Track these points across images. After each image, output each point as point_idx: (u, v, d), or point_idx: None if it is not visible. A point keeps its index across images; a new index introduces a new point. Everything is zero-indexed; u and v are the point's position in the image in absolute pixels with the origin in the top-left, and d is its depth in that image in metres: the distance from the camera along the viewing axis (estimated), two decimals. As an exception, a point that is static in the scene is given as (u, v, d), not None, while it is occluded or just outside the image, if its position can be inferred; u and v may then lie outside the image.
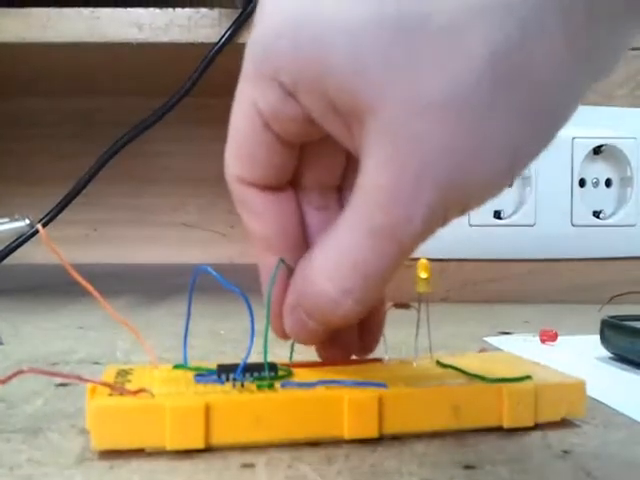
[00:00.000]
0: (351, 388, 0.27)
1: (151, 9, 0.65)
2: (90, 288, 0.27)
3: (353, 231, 0.24)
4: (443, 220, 0.24)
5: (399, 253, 0.24)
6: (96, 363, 0.39)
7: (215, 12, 0.65)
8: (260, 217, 0.27)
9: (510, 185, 0.24)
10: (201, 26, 0.65)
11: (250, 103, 0.25)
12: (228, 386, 0.27)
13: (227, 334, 0.48)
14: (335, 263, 0.25)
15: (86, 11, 0.65)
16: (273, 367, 0.28)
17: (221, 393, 0.26)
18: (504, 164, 0.23)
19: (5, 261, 0.65)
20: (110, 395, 0.25)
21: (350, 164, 0.28)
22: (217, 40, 0.64)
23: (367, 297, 0.25)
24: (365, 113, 0.22)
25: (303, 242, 0.29)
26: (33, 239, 0.63)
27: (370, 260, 0.24)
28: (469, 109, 0.21)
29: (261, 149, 0.26)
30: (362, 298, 0.25)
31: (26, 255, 0.68)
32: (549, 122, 0.24)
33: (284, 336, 0.29)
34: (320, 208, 0.29)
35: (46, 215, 0.66)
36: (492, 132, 0.22)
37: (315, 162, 0.28)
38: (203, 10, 0.65)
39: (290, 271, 0.28)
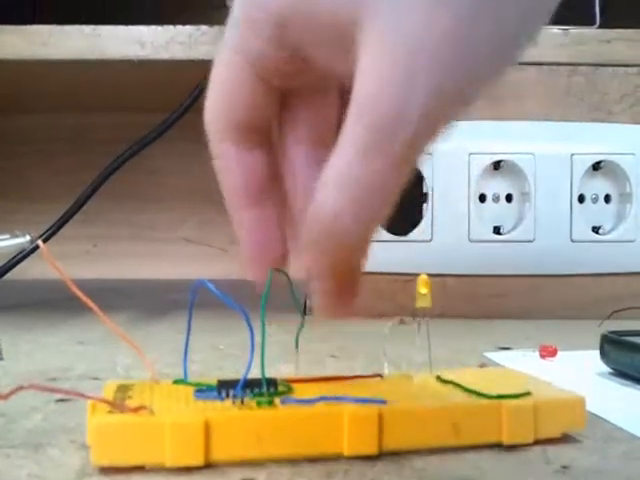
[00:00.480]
0: (351, 405, 0.27)
1: (152, 26, 0.66)
2: (90, 303, 0.27)
3: (347, 150, 0.23)
4: (441, 121, 0.23)
5: (394, 166, 0.23)
6: (96, 379, 0.39)
7: (215, 29, 0.66)
8: (232, 169, 0.27)
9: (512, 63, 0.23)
10: (201, 43, 0.66)
11: (235, 47, 0.25)
12: (228, 402, 0.27)
13: (227, 349, 0.48)
14: (333, 182, 0.23)
15: (87, 28, 0.66)
16: (273, 383, 0.28)
17: (221, 410, 0.26)
18: (507, 43, 0.22)
19: (5, 276, 0.65)
20: (110, 412, 0.25)
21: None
22: (217, 57, 0.65)
23: (365, 216, 0.24)
24: (355, 23, 0.22)
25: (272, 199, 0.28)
26: (33, 255, 0.63)
27: (364, 177, 0.23)
28: None
29: (242, 90, 0.26)
30: (360, 216, 0.24)
31: (26, 271, 0.68)
32: None
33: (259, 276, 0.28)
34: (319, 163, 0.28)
35: (46, 231, 0.66)
36: (486, 14, 0.21)
37: (306, 112, 0.28)
38: (203, 27, 0.66)
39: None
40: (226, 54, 0.25)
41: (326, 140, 0.28)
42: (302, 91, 0.28)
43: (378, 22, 0.22)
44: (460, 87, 0.22)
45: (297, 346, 0.31)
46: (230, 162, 0.27)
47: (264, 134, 0.28)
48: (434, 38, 0.21)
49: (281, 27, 0.23)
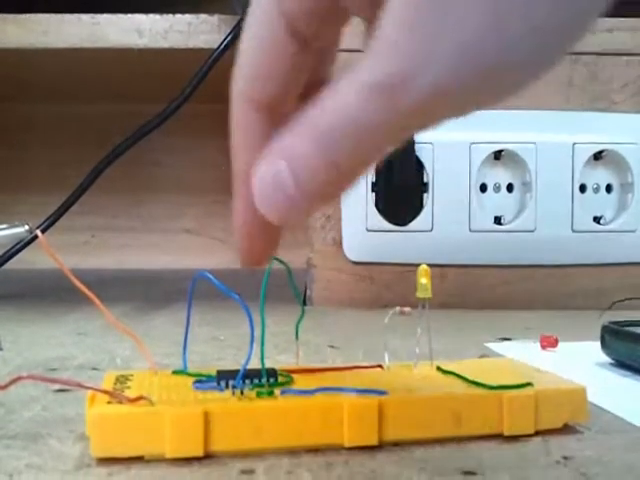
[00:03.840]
0: (351, 395, 0.26)
1: (151, 15, 0.65)
2: (89, 294, 0.27)
3: (351, 83, 0.22)
4: (457, 97, 0.21)
5: (393, 115, 0.21)
6: (95, 369, 0.39)
7: (215, 18, 0.65)
8: (250, 141, 0.26)
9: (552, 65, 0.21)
10: (201, 32, 0.65)
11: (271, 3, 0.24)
12: (228, 393, 0.27)
13: (227, 340, 0.48)
14: (324, 106, 0.22)
15: (86, 17, 0.65)
16: (273, 373, 0.28)
17: (220, 401, 0.26)
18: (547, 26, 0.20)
19: (4, 266, 0.65)
20: (109, 402, 0.25)
21: None
22: (217, 46, 0.64)
23: (348, 157, 0.23)
24: None
25: None
26: (32, 245, 0.63)
27: (354, 110, 0.22)
28: None
29: (277, 59, 0.25)
30: (345, 146, 0.22)
31: (25, 261, 0.68)
32: None
33: (252, 260, 0.27)
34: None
35: (45, 221, 0.66)
36: None
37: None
38: (203, 16, 0.66)
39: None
40: (262, 6, 0.25)
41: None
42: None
43: None
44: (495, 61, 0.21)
45: (297, 336, 0.31)
46: (255, 133, 0.26)
47: (290, 111, 0.26)
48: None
49: None
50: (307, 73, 0.26)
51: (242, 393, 0.26)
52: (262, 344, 0.27)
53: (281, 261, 0.27)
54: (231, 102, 0.26)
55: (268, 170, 0.24)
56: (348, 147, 0.22)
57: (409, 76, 0.20)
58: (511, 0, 0.20)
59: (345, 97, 0.22)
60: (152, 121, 0.66)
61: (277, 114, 0.26)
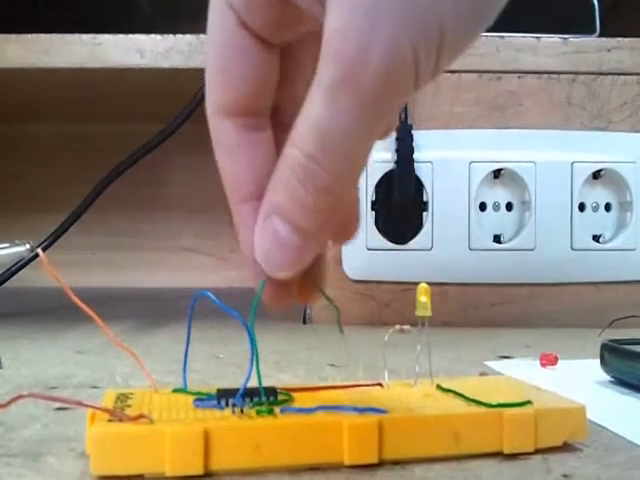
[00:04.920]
0: (351, 414, 0.26)
1: (152, 35, 0.66)
2: (90, 312, 0.27)
3: (313, 95, 0.22)
4: (414, 64, 0.21)
5: (358, 107, 0.21)
6: (95, 387, 0.39)
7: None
8: (232, 155, 0.26)
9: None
10: (201, 52, 0.66)
11: (222, 2, 0.24)
12: (228, 411, 0.27)
13: (227, 358, 0.48)
14: (298, 131, 0.23)
15: (87, 37, 0.66)
16: (273, 392, 0.28)
17: (220, 419, 0.26)
18: None
19: (5, 285, 0.65)
20: (110, 421, 0.25)
21: None
22: (217, 66, 0.65)
23: (333, 164, 0.22)
24: None
25: None
26: (33, 263, 0.63)
27: (326, 118, 0.22)
28: None
29: (238, 56, 0.25)
30: (326, 164, 0.22)
31: (26, 279, 0.68)
32: None
33: (272, 302, 0.27)
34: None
35: (46, 239, 0.66)
36: None
37: (295, 72, 0.27)
38: (203, 36, 0.66)
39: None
40: (215, 9, 0.25)
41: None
42: (298, 52, 0.27)
43: None
44: (432, 26, 0.21)
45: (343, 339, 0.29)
46: (230, 144, 0.26)
47: (266, 112, 0.27)
48: None
49: None
50: (276, 71, 0.26)
51: (242, 411, 0.26)
52: (257, 361, 0.27)
53: (328, 298, 0.27)
54: (208, 119, 0.26)
55: (265, 235, 0.24)
56: (333, 164, 0.22)
57: (361, 55, 0.20)
58: None
59: (314, 110, 0.22)
60: (152, 140, 0.67)
61: (255, 118, 0.26)
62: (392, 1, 0.20)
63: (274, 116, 0.27)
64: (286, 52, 0.27)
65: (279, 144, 0.27)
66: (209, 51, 0.25)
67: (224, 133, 0.26)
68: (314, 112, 0.22)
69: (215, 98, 0.26)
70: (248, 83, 0.25)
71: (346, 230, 0.27)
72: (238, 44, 0.25)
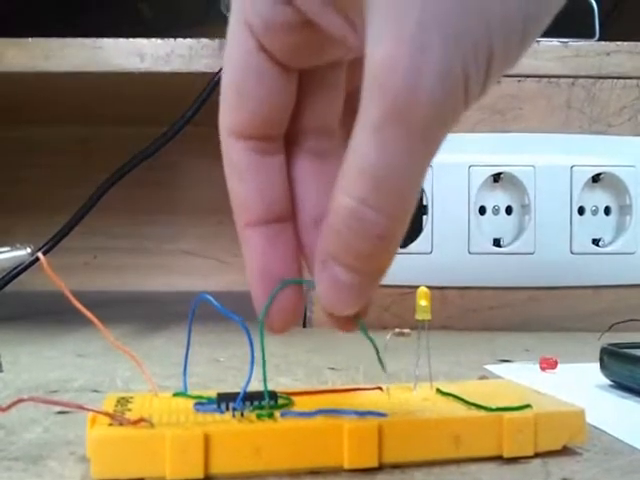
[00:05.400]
0: (351, 417, 0.26)
1: (153, 39, 0.66)
2: (90, 316, 0.27)
3: (359, 135, 0.21)
4: (464, 83, 0.20)
5: (410, 140, 0.20)
6: (95, 391, 0.39)
7: (215, 42, 0.66)
8: (243, 177, 0.26)
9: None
10: (202, 56, 0.66)
11: (241, 25, 0.24)
12: (228, 415, 0.27)
13: (227, 362, 0.48)
14: (347, 175, 0.22)
15: (88, 41, 0.66)
16: (273, 395, 0.28)
17: (221, 423, 0.26)
18: None
19: (5, 288, 0.65)
20: (110, 425, 0.25)
21: (351, 102, 0.25)
22: (218, 70, 0.65)
23: (388, 205, 0.21)
24: None
25: (286, 213, 0.26)
26: (34, 267, 0.63)
27: (376, 157, 0.21)
28: None
29: (255, 79, 0.24)
30: (382, 206, 0.21)
31: (26, 283, 0.68)
32: None
33: (278, 326, 0.27)
34: (318, 154, 0.27)
35: (46, 243, 0.66)
36: None
37: (313, 97, 0.26)
38: (204, 40, 0.66)
39: (293, 292, 0.26)
40: (236, 26, 0.24)
41: (329, 127, 0.27)
42: (318, 78, 0.26)
43: None
44: (482, 44, 0.20)
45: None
46: (241, 167, 0.26)
47: (279, 136, 0.26)
48: None
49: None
50: (293, 96, 0.25)
51: (242, 415, 0.26)
52: (264, 366, 0.27)
53: (365, 332, 0.27)
54: (221, 139, 0.26)
55: (324, 279, 0.24)
56: (388, 206, 0.21)
57: (412, 85, 0.19)
58: None
59: (362, 151, 0.21)
60: (153, 144, 0.67)
61: (268, 142, 0.26)
62: (440, 25, 0.19)
63: (294, 141, 0.27)
64: (307, 78, 0.26)
65: (299, 168, 0.27)
66: (226, 71, 0.25)
67: (235, 155, 0.26)
68: (362, 153, 0.21)
69: (229, 119, 0.25)
70: (263, 107, 0.25)
71: None
72: (255, 67, 0.24)
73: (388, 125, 0.20)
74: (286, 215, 0.27)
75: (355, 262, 0.23)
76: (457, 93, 0.20)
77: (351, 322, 0.26)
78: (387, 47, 0.19)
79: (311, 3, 0.22)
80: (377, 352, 0.28)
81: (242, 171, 0.26)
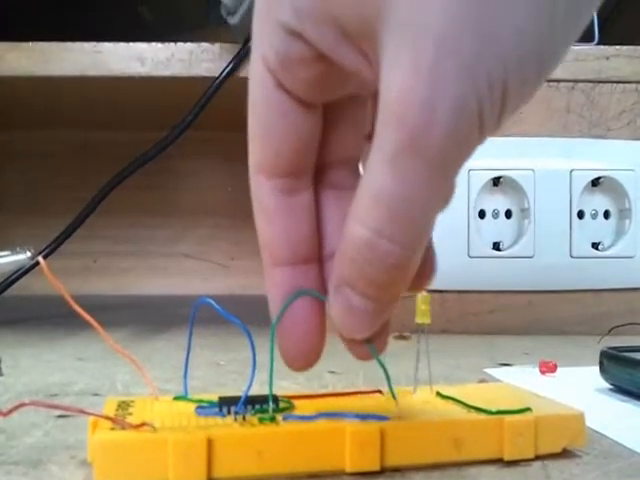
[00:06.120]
0: (353, 421, 0.27)
1: (153, 43, 0.66)
2: (90, 320, 0.27)
3: (374, 164, 0.21)
4: (479, 116, 0.20)
5: (427, 171, 0.20)
6: (96, 394, 0.39)
7: (216, 46, 0.66)
8: (271, 219, 0.26)
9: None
10: (202, 60, 0.66)
11: (259, 60, 0.24)
12: (230, 419, 0.27)
13: (227, 365, 0.48)
14: (362, 205, 0.22)
15: (89, 45, 0.66)
16: (274, 399, 0.28)
17: (223, 426, 0.26)
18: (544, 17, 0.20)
19: (5, 292, 0.65)
20: (112, 429, 0.25)
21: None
22: (218, 74, 0.65)
23: (403, 236, 0.22)
24: (374, 20, 0.20)
25: (312, 254, 0.27)
26: (34, 270, 0.64)
27: (392, 187, 0.21)
28: None
29: (277, 118, 0.24)
30: (396, 237, 0.21)
31: (26, 286, 0.68)
32: None
33: (295, 363, 0.27)
34: (343, 188, 0.27)
35: (47, 247, 0.66)
36: None
37: (336, 131, 0.26)
38: (204, 44, 0.66)
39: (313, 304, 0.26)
40: (255, 64, 0.24)
41: (352, 159, 0.27)
42: (340, 111, 0.26)
43: (399, 9, 0.20)
44: (497, 79, 0.20)
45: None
46: (268, 208, 0.26)
47: (307, 173, 0.26)
48: (457, 20, 0.19)
49: (299, 18, 0.22)
50: (317, 131, 0.25)
51: (244, 419, 0.27)
52: (271, 371, 0.27)
53: (377, 357, 0.27)
54: (250, 178, 0.26)
55: (338, 304, 0.24)
56: (403, 236, 0.22)
57: (427, 117, 0.20)
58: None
59: (377, 181, 0.21)
60: (154, 148, 0.67)
61: (296, 179, 0.26)
62: (456, 59, 0.19)
63: (318, 176, 0.27)
64: (329, 111, 0.26)
65: (323, 204, 0.27)
66: (250, 109, 0.25)
67: (264, 196, 0.26)
68: (378, 183, 0.21)
69: (256, 158, 0.25)
70: (288, 144, 0.25)
71: (420, 280, 0.26)
72: (276, 106, 0.24)
73: (404, 156, 0.20)
74: (312, 256, 0.27)
75: (369, 289, 0.23)
76: (472, 127, 0.20)
77: (365, 349, 0.26)
78: (403, 79, 0.20)
79: (323, 37, 0.22)
80: (388, 379, 0.28)
81: (270, 213, 0.26)
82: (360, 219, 0.22)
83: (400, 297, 0.24)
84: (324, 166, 0.27)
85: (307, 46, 0.23)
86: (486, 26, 0.19)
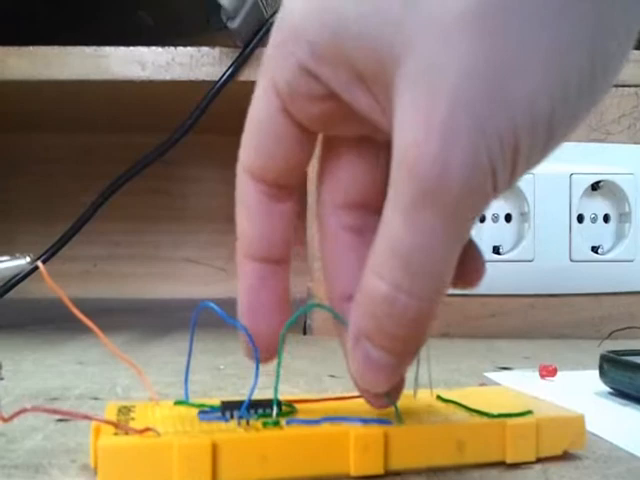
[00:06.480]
0: (357, 424, 0.27)
1: (153, 47, 0.66)
2: (90, 324, 0.27)
3: (390, 216, 0.21)
4: (491, 173, 0.20)
5: (442, 222, 0.20)
6: (95, 398, 0.39)
7: (216, 51, 0.66)
8: (250, 216, 0.26)
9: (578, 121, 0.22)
10: (202, 64, 0.66)
11: (269, 82, 0.24)
12: (233, 424, 0.27)
13: (227, 369, 0.48)
14: (379, 257, 0.22)
15: (89, 49, 0.66)
16: (277, 403, 0.28)
17: (227, 431, 0.26)
18: (559, 77, 0.20)
19: (5, 297, 0.65)
20: (116, 434, 0.25)
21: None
22: (218, 78, 0.65)
23: (422, 289, 0.22)
24: (390, 68, 0.20)
25: (283, 257, 0.27)
26: (34, 275, 0.64)
27: (409, 239, 0.21)
28: (511, 14, 0.19)
29: (274, 136, 0.25)
30: (415, 290, 0.22)
31: (26, 290, 0.68)
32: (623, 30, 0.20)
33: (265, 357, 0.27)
34: (358, 230, 0.27)
35: (46, 251, 0.66)
36: (539, 39, 0.19)
37: (352, 173, 0.26)
38: (204, 49, 0.66)
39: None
40: (264, 82, 0.24)
41: (370, 204, 0.27)
42: (346, 144, 0.26)
43: (415, 60, 0.20)
44: (508, 136, 0.20)
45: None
46: (250, 205, 0.26)
47: (296, 185, 0.26)
48: (473, 78, 0.19)
49: (315, 57, 0.22)
50: (310, 154, 0.26)
51: (248, 423, 0.26)
52: (277, 377, 0.27)
53: (397, 410, 0.27)
54: (237, 176, 0.26)
55: (357, 356, 0.24)
56: (422, 289, 0.22)
57: (441, 170, 0.20)
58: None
59: (393, 233, 0.21)
60: (154, 152, 0.67)
61: (280, 190, 0.26)
62: (468, 116, 0.19)
63: (337, 215, 0.27)
64: (345, 151, 0.26)
65: (331, 241, 0.27)
66: (250, 115, 0.25)
67: (247, 194, 0.26)
68: (394, 235, 0.21)
69: (246, 158, 0.26)
70: (277, 161, 0.25)
71: (469, 277, 0.26)
72: (276, 126, 0.24)
73: (418, 208, 0.20)
74: (283, 258, 0.27)
75: (388, 343, 0.23)
76: (485, 182, 0.20)
77: (381, 400, 0.27)
78: (416, 131, 0.20)
79: (337, 78, 0.22)
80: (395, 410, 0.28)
81: (250, 210, 0.26)
82: (377, 271, 0.22)
83: (420, 349, 0.24)
84: (339, 206, 0.27)
85: (319, 84, 0.23)
86: (499, 87, 0.19)
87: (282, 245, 0.27)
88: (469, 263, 0.25)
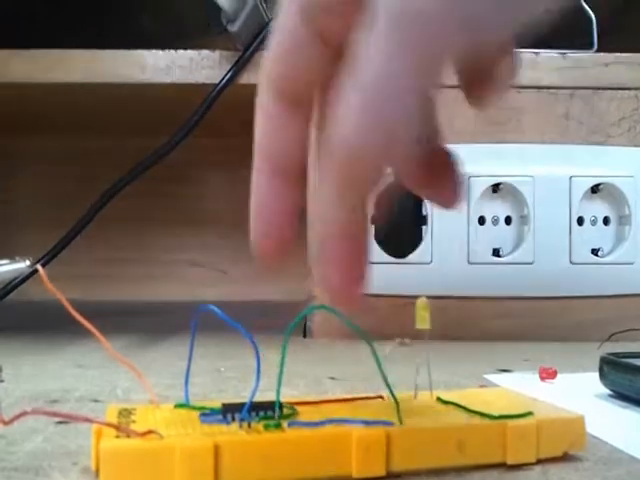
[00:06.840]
0: (358, 426, 0.27)
1: (153, 51, 0.66)
2: (90, 326, 0.27)
3: (364, 41, 0.22)
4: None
5: (412, 49, 0.21)
6: (96, 401, 0.39)
7: (216, 54, 0.66)
8: (267, 124, 0.27)
9: None
10: (202, 67, 0.66)
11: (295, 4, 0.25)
12: (235, 426, 0.27)
13: (227, 372, 0.48)
14: (354, 83, 0.22)
15: (90, 52, 0.66)
16: (279, 406, 0.28)
17: (229, 434, 0.26)
18: None
19: (5, 299, 0.65)
20: (117, 437, 0.25)
21: None
22: (218, 81, 0.65)
23: (391, 120, 0.22)
24: None
25: (302, 171, 0.28)
26: (34, 278, 0.64)
27: (373, 67, 0.22)
28: None
29: (296, 46, 0.25)
30: (384, 121, 0.22)
31: (26, 293, 0.68)
32: None
33: (271, 251, 0.27)
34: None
35: (46, 254, 0.66)
36: None
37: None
38: (204, 52, 0.66)
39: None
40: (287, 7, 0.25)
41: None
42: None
43: None
44: None
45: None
46: (274, 123, 0.27)
47: (310, 103, 0.27)
48: None
49: None
50: (331, 69, 0.26)
51: (249, 426, 0.26)
52: (279, 378, 0.27)
53: (367, 340, 0.27)
54: (259, 90, 0.27)
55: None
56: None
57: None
58: None
59: (363, 62, 0.22)
60: (153, 155, 0.67)
61: (299, 106, 0.27)
62: None
63: None
64: None
65: None
66: (276, 25, 0.26)
67: (266, 102, 0.27)
68: (361, 66, 0.22)
69: (268, 65, 0.26)
70: (297, 71, 0.26)
71: (446, 192, 0.29)
72: (297, 36, 0.25)
73: (393, 29, 0.21)
74: (299, 172, 0.28)
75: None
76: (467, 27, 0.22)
77: (354, 298, 0.28)
78: None
79: None
80: (387, 383, 0.28)
81: (271, 118, 0.27)
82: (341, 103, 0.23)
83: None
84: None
85: None
86: None
87: (298, 156, 0.27)
88: (444, 176, 0.27)
